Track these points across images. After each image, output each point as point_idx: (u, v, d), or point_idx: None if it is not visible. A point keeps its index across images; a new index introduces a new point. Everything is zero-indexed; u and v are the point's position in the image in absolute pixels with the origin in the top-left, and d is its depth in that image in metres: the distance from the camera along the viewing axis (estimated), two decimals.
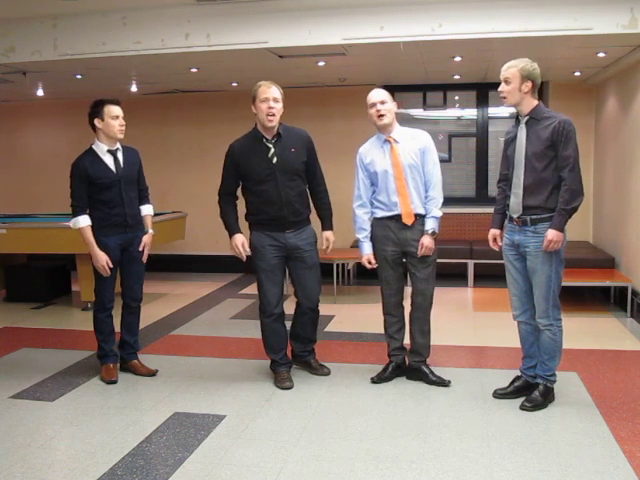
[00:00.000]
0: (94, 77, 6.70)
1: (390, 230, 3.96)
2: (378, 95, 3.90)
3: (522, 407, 3.59)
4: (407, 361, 4.15)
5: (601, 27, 4.82)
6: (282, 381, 4.04)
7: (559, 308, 3.60)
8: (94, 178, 4.01)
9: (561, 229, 3.44)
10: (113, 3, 5.13)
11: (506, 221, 3.72)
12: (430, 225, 3.93)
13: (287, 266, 4.10)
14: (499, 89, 3.54)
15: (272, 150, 3.90)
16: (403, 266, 4.07)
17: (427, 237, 3.91)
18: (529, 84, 3.47)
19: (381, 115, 3.86)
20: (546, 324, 3.57)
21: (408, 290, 4.14)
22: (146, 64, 6.08)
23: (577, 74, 7.04)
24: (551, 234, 3.43)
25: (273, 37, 5.25)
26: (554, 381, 3.67)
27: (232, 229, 4.02)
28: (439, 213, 3.96)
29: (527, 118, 3.52)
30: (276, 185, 3.88)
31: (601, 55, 5.82)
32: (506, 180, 3.70)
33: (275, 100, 3.82)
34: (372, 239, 4.06)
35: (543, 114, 3.51)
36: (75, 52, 5.49)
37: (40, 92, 7.42)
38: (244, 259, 4.01)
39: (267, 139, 3.92)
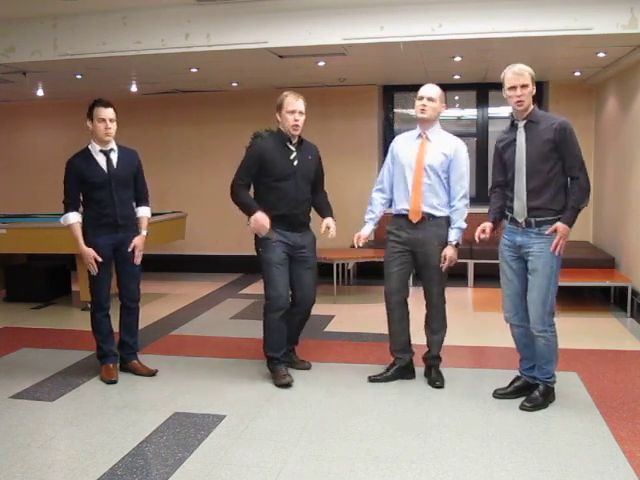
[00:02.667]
0: (94, 77, 6.69)
1: (402, 229, 3.97)
2: (428, 91, 3.91)
3: (522, 407, 3.59)
4: (413, 361, 4.16)
5: (601, 27, 4.83)
6: (282, 377, 4.06)
7: (554, 314, 3.60)
8: (86, 177, 4.05)
9: (571, 225, 3.45)
10: (113, 3, 5.13)
11: (506, 222, 3.70)
12: (455, 236, 3.94)
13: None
14: (516, 93, 3.47)
15: (294, 154, 4.12)
16: (409, 266, 4.05)
17: (451, 249, 3.92)
18: (534, 87, 3.54)
19: (423, 109, 3.90)
20: (540, 330, 3.56)
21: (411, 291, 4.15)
22: (146, 64, 6.08)
23: (577, 74, 7.04)
24: (563, 228, 3.43)
25: (273, 37, 5.25)
26: (554, 382, 3.68)
27: (252, 207, 4.01)
28: (464, 225, 3.97)
29: (525, 122, 3.53)
30: (296, 184, 4.08)
31: (601, 55, 5.82)
32: (501, 186, 3.71)
33: (301, 113, 4.06)
34: (387, 234, 4.08)
35: (540, 117, 3.54)
36: (75, 52, 5.49)
37: (40, 92, 7.42)
38: (266, 232, 3.99)
39: (292, 143, 4.13)
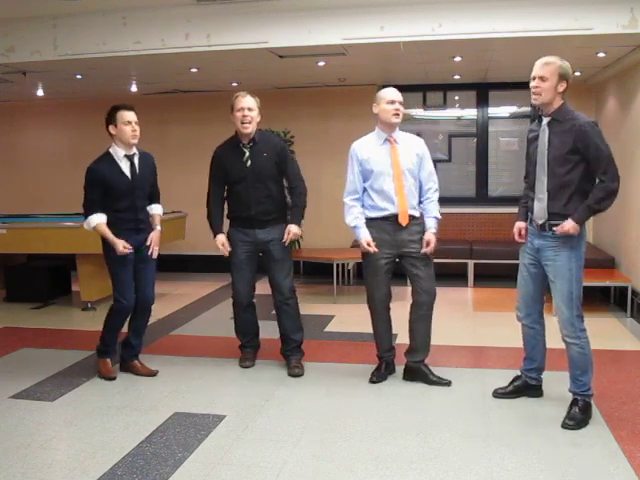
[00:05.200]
0: (94, 77, 6.69)
1: (385, 232, 3.95)
2: (399, 95, 3.95)
3: (565, 426, 3.34)
4: (405, 360, 4.14)
5: (601, 27, 4.82)
6: (242, 360, 4.47)
7: (582, 318, 3.42)
8: (110, 185, 4.00)
9: (581, 222, 3.29)
10: (113, 3, 5.13)
11: (527, 223, 3.61)
12: (433, 224, 3.96)
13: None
14: (532, 84, 3.36)
15: (247, 154, 4.22)
16: (392, 271, 4.06)
17: (432, 235, 3.93)
18: (564, 84, 3.34)
19: (397, 114, 3.91)
20: (572, 336, 3.38)
21: (402, 291, 4.14)
22: (146, 64, 6.08)
23: (577, 74, 7.03)
24: (569, 224, 3.27)
25: (273, 37, 5.25)
26: (591, 395, 3.46)
27: (215, 229, 4.36)
28: (439, 215, 4.00)
29: (549, 119, 3.38)
30: (247, 187, 4.21)
31: (601, 55, 5.82)
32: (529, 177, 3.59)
33: (249, 109, 4.13)
34: None
35: (566, 115, 3.34)
36: (75, 52, 5.49)
37: (40, 92, 7.42)
38: (227, 255, 4.31)
39: (244, 144, 4.22)
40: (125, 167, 4.07)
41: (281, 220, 4.30)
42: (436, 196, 4.02)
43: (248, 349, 4.52)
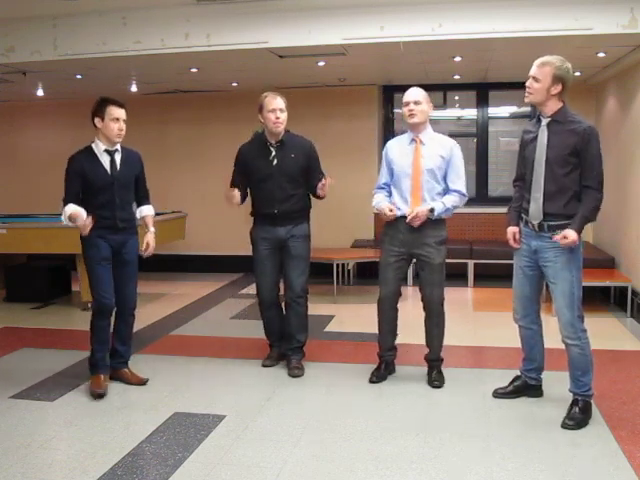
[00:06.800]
0: (94, 77, 6.69)
1: (398, 230, 3.95)
2: (414, 95, 3.93)
3: (565, 426, 3.34)
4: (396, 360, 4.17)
5: (601, 27, 4.82)
6: (264, 360, 4.49)
7: (583, 319, 3.42)
8: (88, 177, 3.89)
9: (580, 232, 3.34)
10: (113, 3, 5.13)
11: (521, 225, 3.59)
12: (435, 205, 3.86)
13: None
14: (527, 84, 3.37)
15: (273, 153, 4.26)
16: (405, 269, 4.07)
17: (425, 210, 3.83)
18: (559, 87, 3.30)
19: (412, 114, 3.90)
20: (573, 338, 3.37)
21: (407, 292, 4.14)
22: (146, 64, 6.08)
23: (577, 74, 7.03)
24: (572, 234, 3.28)
25: (273, 37, 5.25)
26: (592, 395, 3.46)
27: (231, 185, 4.29)
28: (449, 207, 3.89)
29: (549, 120, 3.37)
30: (272, 185, 4.23)
31: (601, 55, 5.83)
32: (522, 179, 3.57)
33: (281, 110, 4.18)
34: (382, 237, 4.07)
35: (567, 117, 3.34)
36: (75, 52, 5.49)
37: (40, 92, 7.42)
38: (236, 202, 4.25)
39: (271, 143, 4.25)
40: (105, 162, 3.95)
41: (303, 219, 4.34)
42: (457, 195, 3.92)
43: (274, 348, 4.53)
